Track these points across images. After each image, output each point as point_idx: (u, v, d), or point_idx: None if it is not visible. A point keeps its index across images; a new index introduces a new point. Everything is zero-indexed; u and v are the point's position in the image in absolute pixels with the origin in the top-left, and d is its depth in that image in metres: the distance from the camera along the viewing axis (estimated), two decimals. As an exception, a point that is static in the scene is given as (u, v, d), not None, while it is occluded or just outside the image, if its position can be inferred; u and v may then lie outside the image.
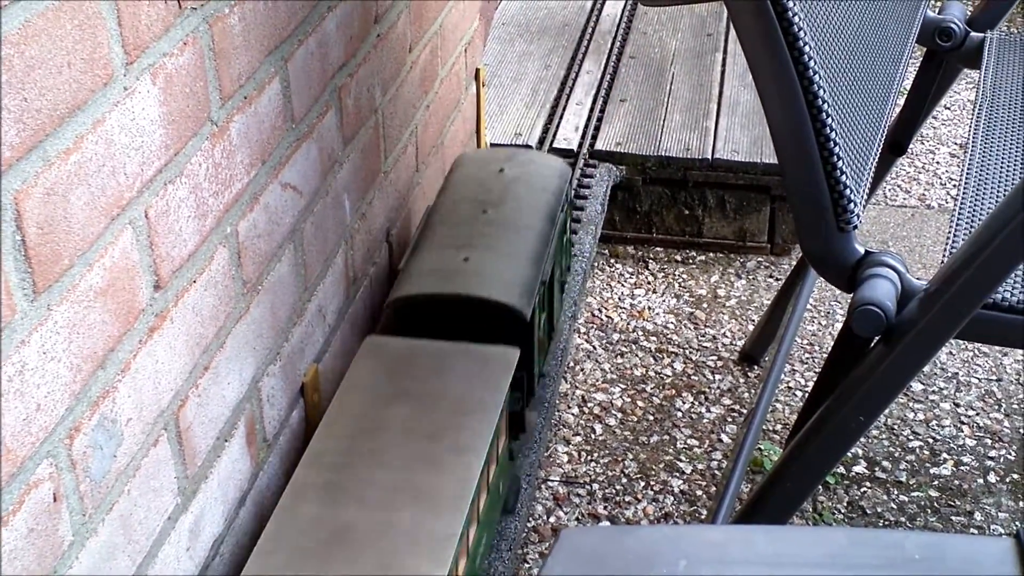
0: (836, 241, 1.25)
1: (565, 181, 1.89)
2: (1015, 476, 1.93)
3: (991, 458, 1.97)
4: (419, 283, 1.62)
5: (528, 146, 2.50)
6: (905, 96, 1.88)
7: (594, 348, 2.23)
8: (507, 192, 1.80)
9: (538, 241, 1.72)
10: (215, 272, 1.23)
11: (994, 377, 2.15)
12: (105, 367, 1.04)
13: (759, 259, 2.51)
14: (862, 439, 1.96)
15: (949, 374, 2.16)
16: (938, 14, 1.78)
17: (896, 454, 1.98)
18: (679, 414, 2.07)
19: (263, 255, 1.35)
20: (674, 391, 2.12)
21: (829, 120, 1.19)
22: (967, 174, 1.48)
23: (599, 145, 2.50)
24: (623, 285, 2.42)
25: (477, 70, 2.34)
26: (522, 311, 1.58)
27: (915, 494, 1.90)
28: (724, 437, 2.02)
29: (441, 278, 1.62)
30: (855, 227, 1.24)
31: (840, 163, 1.21)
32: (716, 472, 1.94)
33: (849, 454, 1.94)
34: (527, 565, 1.75)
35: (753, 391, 2.12)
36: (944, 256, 1.31)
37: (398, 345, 1.53)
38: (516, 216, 1.75)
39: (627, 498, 1.89)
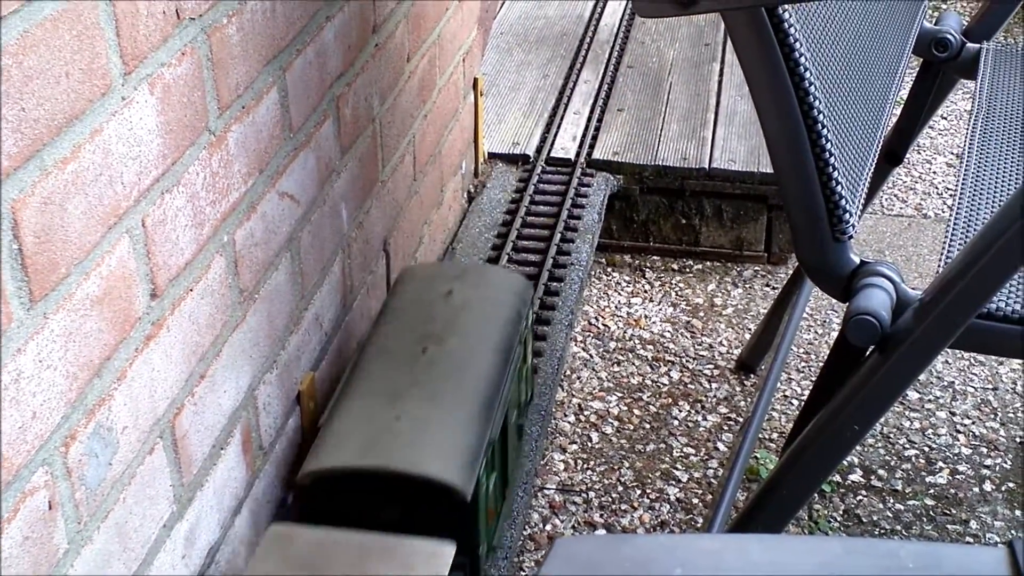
0: (831, 251, 1.25)
1: (524, 303, 1.65)
2: (1011, 485, 1.94)
3: (987, 467, 1.97)
4: (338, 452, 1.37)
5: (526, 157, 2.50)
6: (902, 106, 1.88)
7: (591, 356, 2.23)
8: (454, 323, 1.56)
9: (488, 388, 1.47)
10: (212, 281, 1.24)
11: (990, 386, 2.15)
12: (101, 375, 1.04)
13: (756, 268, 2.51)
14: (858, 447, 1.96)
15: (945, 383, 2.16)
16: (934, 25, 1.79)
17: (892, 463, 1.98)
18: (675, 422, 2.07)
19: (260, 264, 1.35)
20: (671, 399, 2.12)
21: (824, 131, 1.20)
22: (963, 184, 1.48)
23: (596, 154, 2.51)
24: (620, 294, 2.43)
25: (475, 79, 2.34)
26: (462, 489, 1.33)
27: (911, 502, 1.90)
28: (720, 445, 2.02)
29: (365, 445, 1.37)
30: (850, 237, 1.24)
31: (835, 173, 1.21)
32: (712, 480, 1.95)
33: (845, 462, 1.95)
34: (523, 573, 1.75)
35: (749, 400, 2.12)
36: (940, 266, 1.31)
37: (307, 539, 1.27)
38: (463, 354, 1.51)
39: (623, 506, 1.89)
